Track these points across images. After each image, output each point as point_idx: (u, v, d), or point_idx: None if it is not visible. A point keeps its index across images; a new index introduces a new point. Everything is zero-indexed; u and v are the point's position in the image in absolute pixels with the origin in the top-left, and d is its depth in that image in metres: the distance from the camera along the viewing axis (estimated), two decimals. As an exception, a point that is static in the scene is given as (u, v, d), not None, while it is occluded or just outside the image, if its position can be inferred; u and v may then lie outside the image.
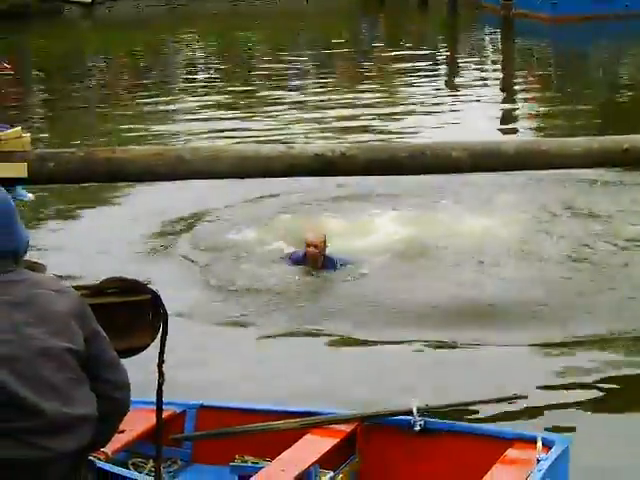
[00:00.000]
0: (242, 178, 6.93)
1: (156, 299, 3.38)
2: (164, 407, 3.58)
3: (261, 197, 10.02)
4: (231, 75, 21.14)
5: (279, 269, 7.80)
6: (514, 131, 14.34)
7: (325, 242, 7.73)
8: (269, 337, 6.68)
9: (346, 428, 4.34)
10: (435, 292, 7.30)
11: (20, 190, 6.15)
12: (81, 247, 8.53)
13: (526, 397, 4.43)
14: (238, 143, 11.58)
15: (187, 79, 21.34)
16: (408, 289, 7.37)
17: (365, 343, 6.56)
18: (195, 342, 6.45)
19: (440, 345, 6.49)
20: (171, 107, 16.74)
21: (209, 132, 14.28)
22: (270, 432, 4.29)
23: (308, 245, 7.70)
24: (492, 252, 8.15)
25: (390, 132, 13.73)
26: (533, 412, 5.37)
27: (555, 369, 6.11)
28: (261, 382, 5.83)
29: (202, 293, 7.51)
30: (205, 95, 18.27)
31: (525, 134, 13.74)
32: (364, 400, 5.16)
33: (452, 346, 6.45)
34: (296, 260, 7.82)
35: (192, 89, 19.34)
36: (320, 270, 7.69)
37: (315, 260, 7.71)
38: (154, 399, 3.51)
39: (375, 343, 6.55)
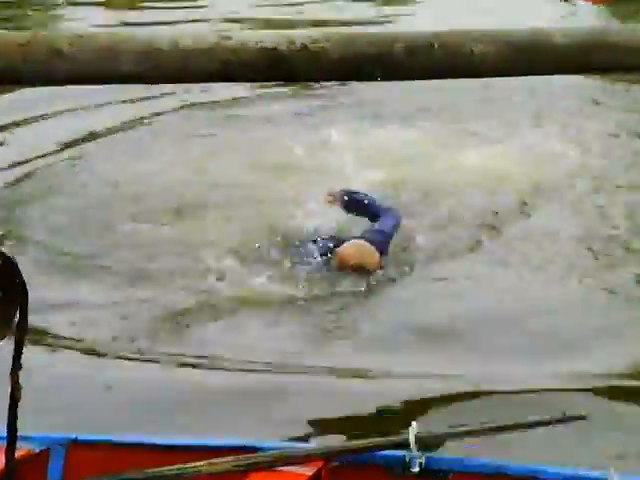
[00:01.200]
0: (150, 83, 6.98)
1: (11, 268, 3.32)
2: (17, 443, 3.54)
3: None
4: None
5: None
6: (567, 18, 14.44)
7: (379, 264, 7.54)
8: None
9: (305, 470, 4.32)
10: (453, 270, 7.53)
11: None
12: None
13: (584, 417, 4.38)
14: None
15: None
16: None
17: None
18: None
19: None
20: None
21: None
22: (189, 479, 4.20)
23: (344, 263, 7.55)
24: (535, 204, 8.38)
25: (379, 17, 13.72)
26: (595, 439, 5.41)
27: (625, 378, 6.24)
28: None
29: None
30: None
31: (583, 21, 13.86)
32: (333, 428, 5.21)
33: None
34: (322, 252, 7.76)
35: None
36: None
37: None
38: (2, 430, 3.49)
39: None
